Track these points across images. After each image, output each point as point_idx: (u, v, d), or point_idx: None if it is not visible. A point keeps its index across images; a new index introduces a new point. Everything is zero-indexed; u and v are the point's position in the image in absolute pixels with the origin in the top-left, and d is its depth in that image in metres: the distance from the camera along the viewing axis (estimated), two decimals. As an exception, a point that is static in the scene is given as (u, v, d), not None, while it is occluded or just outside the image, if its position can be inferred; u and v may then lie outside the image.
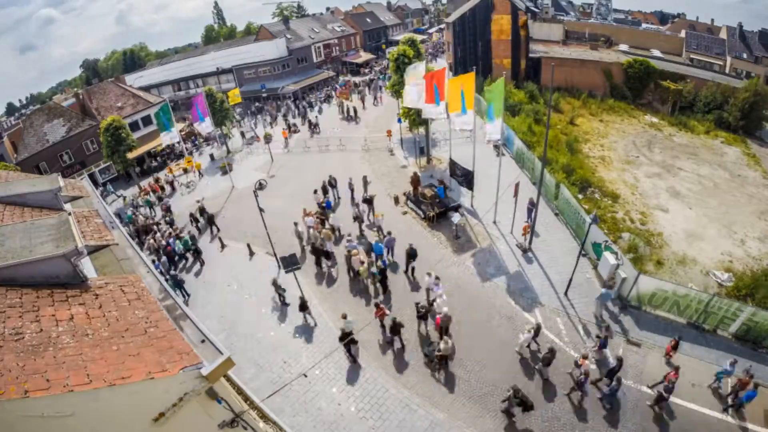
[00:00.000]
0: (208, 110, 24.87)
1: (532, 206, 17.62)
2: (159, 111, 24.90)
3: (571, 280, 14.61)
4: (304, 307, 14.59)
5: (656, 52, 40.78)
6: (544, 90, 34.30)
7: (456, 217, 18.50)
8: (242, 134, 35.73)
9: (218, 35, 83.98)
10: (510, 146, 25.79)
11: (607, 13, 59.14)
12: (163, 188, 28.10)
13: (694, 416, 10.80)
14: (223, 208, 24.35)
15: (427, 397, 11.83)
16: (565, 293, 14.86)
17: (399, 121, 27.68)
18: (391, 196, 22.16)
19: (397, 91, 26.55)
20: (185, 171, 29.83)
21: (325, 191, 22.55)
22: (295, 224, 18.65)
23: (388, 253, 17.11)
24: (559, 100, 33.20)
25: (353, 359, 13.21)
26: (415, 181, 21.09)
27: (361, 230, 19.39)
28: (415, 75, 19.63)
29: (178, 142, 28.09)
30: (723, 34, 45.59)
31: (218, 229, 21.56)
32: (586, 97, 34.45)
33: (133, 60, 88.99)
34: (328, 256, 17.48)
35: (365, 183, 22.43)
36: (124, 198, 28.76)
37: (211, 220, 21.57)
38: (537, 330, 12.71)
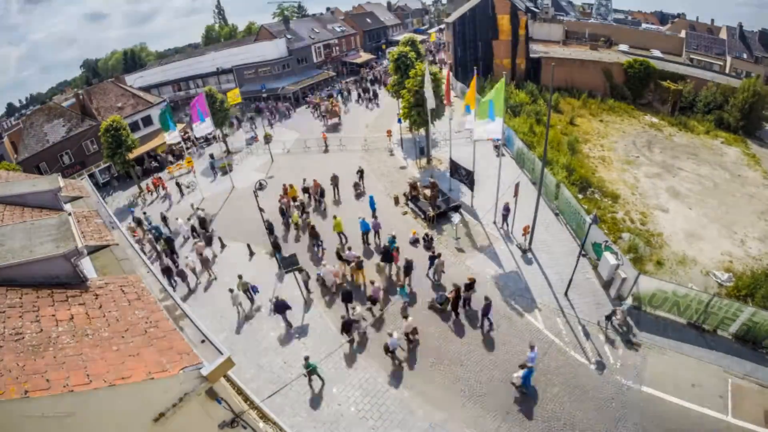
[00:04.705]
0: (208, 110, 24.89)
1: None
2: (164, 111, 24.98)
3: (571, 280, 14.61)
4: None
5: (656, 52, 40.73)
6: (544, 90, 34.29)
7: (456, 218, 18.51)
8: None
9: (218, 35, 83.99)
10: (510, 146, 25.79)
11: (607, 13, 59.04)
12: (163, 187, 28.13)
13: (694, 416, 10.80)
14: (222, 208, 24.39)
15: (427, 397, 11.83)
16: (565, 293, 14.86)
17: (399, 121, 27.68)
18: (391, 197, 22.17)
19: (397, 92, 26.60)
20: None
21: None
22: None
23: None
24: (559, 101, 33.19)
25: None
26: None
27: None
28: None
29: (178, 143, 28.17)
30: (723, 34, 45.54)
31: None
32: (586, 98, 34.45)
33: (133, 60, 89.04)
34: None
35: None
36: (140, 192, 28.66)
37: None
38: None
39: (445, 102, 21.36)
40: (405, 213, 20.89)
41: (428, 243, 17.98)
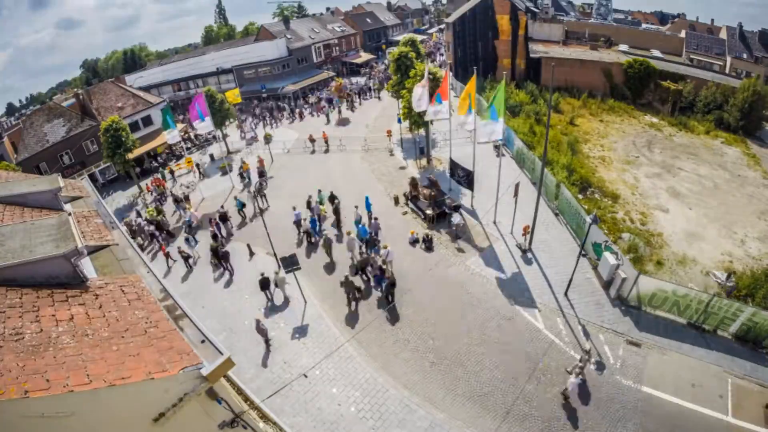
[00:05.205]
0: (208, 110, 24.85)
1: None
2: (165, 110, 24.94)
3: (571, 280, 14.62)
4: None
5: (656, 52, 40.74)
6: (544, 90, 34.30)
7: (456, 218, 18.51)
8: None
9: (218, 35, 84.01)
10: (510, 146, 25.79)
11: (607, 13, 59.07)
12: (164, 186, 28.11)
13: (694, 416, 10.80)
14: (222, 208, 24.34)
15: (427, 397, 11.83)
16: (565, 293, 14.86)
17: (399, 121, 27.68)
18: (391, 197, 22.17)
19: (397, 92, 26.59)
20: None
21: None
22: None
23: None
24: (559, 101, 33.19)
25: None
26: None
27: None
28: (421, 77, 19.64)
29: (179, 142, 28.11)
30: (723, 34, 45.59)
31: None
32: (586, 98, 34.45)
33: (133, 60, 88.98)
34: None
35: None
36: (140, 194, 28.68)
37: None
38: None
39: (431, 102, 20.76)
40: (405, 213, 20.88)
41: (428, 244, 17.98)
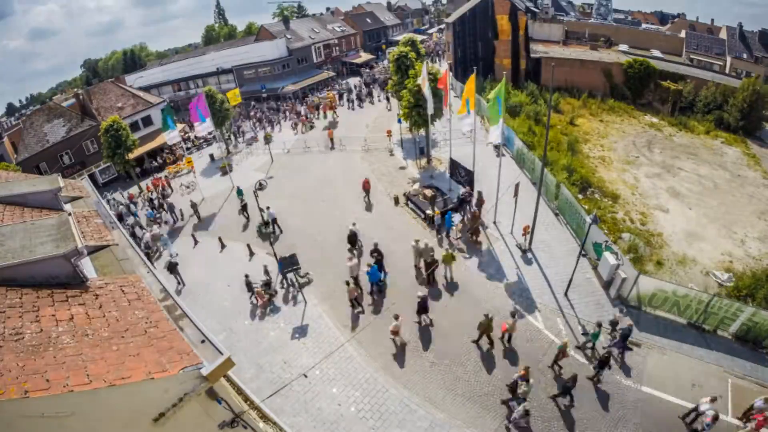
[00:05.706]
0: (209, 111, 24.87)
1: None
2: (165, 110, 24.97)
3: (571, 280, 14.61)
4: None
5: (656, 52, 40.73)
6: (544, 90, 34.28)
7: (456, 218, 18.50)
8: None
9: (218, 35, 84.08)
10: (510, 146, 25.77)
11: (607, 13, 59.04)
12: (163, 187, 28.13)
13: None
14: (222, 208, 24.37)
15: (427, 397, 11.83)
16: (565, 294, 14.85)
17: (399, 121, 27.67)
18: (391, 197, 22.16)
19: (397, 92, 26.59)
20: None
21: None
22: None
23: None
24: (559, 101, 33.16)
25: None
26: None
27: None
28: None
29: (179, 143, 28.14)
30: (723, 34, 45.59)
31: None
32: (586, 98, 34.43)
33: (133, 60, 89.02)
34: None
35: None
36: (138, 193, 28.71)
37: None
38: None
39: (443, 105, 21.41)
40: (415, 217, 20.84)
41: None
